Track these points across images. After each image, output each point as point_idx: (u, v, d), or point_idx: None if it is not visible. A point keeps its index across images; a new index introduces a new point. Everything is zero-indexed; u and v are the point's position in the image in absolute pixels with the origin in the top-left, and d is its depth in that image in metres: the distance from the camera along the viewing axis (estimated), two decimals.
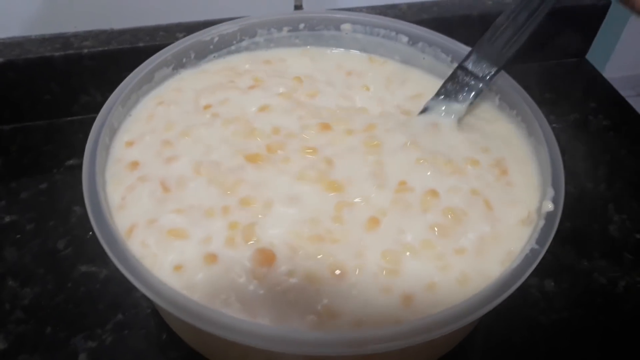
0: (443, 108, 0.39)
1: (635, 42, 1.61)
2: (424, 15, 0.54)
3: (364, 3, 0.55)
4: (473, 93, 0.38)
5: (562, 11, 0.57)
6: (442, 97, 0.39)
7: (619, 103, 0.58)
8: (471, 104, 0.39)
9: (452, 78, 0.39)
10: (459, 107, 0.38)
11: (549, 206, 0.32)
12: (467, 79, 0.39)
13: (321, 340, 0.25)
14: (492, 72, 0.38)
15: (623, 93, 0.58)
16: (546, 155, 0.34)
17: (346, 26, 0.45)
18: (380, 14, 0.54)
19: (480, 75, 0.38)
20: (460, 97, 0.38)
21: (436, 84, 0.41)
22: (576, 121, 0.55)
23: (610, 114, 0.56)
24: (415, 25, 0.44)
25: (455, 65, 0.41)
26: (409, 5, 0.55)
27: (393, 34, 0.45)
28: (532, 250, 0.30)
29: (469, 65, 0.39)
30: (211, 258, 0.30)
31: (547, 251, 0.43)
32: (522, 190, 0.35)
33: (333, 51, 0.46)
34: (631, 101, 0.57)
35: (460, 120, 0.39)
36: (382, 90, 0.42)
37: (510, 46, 0.38)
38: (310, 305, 0.28)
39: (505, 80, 0.40)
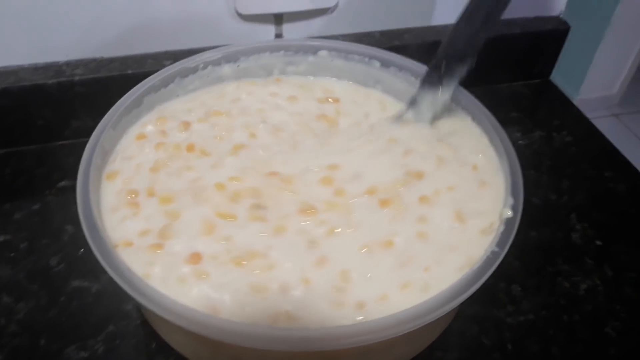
0: (430, 99, 0.40)
1: (607, 64, 1.69)
2: (396, 42, 0.58)
3: (339, 31, 0.59)
4: (454, 77, 0.39)
5: (525, 35, 0.62)
6: (426, 88, 0.40)
7: (581, 121, 0.62)
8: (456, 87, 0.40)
9: (430, 72, 0.40)
10: (444, 93, 0.39)
11: (508, 213, 0.35)
12: (442, 71, 0.39)
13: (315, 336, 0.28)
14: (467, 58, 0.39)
15: (597, 113, 0.62)
16: (506, 165, 0.37)
17: (323, 52, 0.48)
18: (355, 41, 0.57)
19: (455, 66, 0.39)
20: (441, 85, 0.39)
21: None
22: (541, 138, 0.59)
23: (572, 131, 0.60)
24: (386, 51, 0.48)
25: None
26: (382, 33, 0.59)
27: (366, 59, 0.48)
28: (492, 252, 0.33)
29: (441, 62, 0.40)
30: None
31: (514, 258, 0.46)
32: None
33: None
34: (605, 121, 0.61)
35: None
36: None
37: (475, 38, 0.39)
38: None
39: (468, 98, 0.43)
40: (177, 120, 0.43)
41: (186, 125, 0.42)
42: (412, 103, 0.40)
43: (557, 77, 0.68)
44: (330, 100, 0.47)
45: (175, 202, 0.36)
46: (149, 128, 0.42)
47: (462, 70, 0.39)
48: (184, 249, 0.33)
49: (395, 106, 0.46)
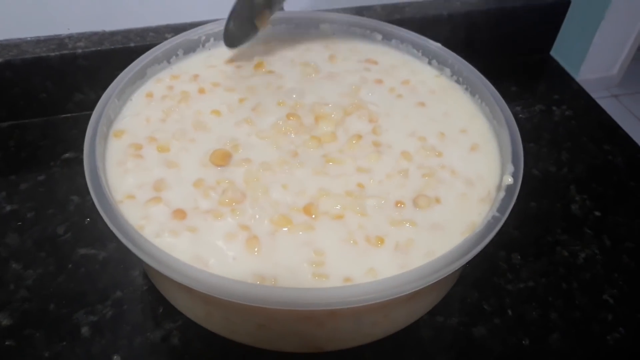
0: None
1: (607, 44, 1.68)
2: (397, 16, 0.58)
3: (341, 5, 0.59)
4: None
5: (525, 9, 0.62)
6: None
7: (581, 95, 0.62)
8: None
9: None
10: None
11: (509, 180, 0.35)
12: None
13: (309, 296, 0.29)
14: None
15: (597, 94, 0.62)
16: (506, 134, 0.38)
17: (325, 26, 0.49)
18: (356, 14, 0.57)
19: None
20: None
21: None
22: (541, 111, 0.59)
23: (572, 105, 0.60)
24: (388, 24, 0.48)
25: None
26: (383, 7, 0.59)
27: (368, 32, 0.48)
28: (493, 217, 0.33)
29: None
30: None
31: (514, 228, 0.47)
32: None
33: None
34: (605, 102, 0.61)
35: None
36: None
37: None
38: None
39: (471, 71, 0.43)
40: (188, 74, 0.44)
41: (195, 76, 0.44)
42: None
43: (557, 57, 0.68)
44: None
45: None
46: (158, 85, 0.43)
47: None
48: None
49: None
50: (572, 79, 0.64)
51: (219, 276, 0.29)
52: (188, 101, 0.42)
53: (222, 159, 0.37)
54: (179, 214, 0.34)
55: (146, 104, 0.41)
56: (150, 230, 0.33)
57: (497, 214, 0.33)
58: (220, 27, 0.46)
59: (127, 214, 0.33)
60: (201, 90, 0.43)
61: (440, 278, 0.30)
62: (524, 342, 0.39)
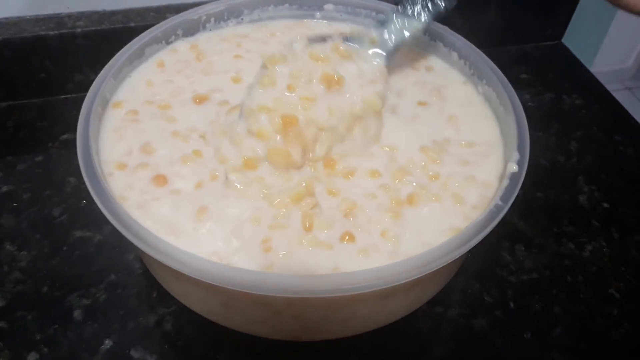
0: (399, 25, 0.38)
1: (622, 36, 1.64)
2: None
3: None
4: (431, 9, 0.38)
5: None
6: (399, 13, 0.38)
7: (593, 84, 0.60)
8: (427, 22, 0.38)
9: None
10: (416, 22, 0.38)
11: (513, 167, 0.34)
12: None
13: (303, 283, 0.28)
14: None
15: (610, 86, 0.60)
16: (513, 120, 0.36)
17: (329, 6, 0.47)
18: None
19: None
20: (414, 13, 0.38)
21: None
22: (551, 100, 0.57)
23: (583, 94, 0.58)
24: (394, 6, 0.46)
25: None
26: None
27: (374, 14, 0.47)
28: (496, 206, 0.32)
29: None
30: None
31: (519, 218, 0.45)
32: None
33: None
34: (619, 94, 0.59)
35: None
36: None
37: None
38: None
39: (478, 55, 0.42)
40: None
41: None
42: (381, 23, 0.39)
43: (570, 49, 0.66)
44: None
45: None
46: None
47: (440, 4, 0.37)
48: None
49: None
50: (583, 68, 0.63)
51: (182, 250, 0.28)
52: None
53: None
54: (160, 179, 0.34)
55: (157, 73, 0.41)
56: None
57: (500, 203, 0.32)
58: (220, 6, 0.45)
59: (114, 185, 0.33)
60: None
61: (439, 267, 0.29)
62: (525, 335, 0.38)
